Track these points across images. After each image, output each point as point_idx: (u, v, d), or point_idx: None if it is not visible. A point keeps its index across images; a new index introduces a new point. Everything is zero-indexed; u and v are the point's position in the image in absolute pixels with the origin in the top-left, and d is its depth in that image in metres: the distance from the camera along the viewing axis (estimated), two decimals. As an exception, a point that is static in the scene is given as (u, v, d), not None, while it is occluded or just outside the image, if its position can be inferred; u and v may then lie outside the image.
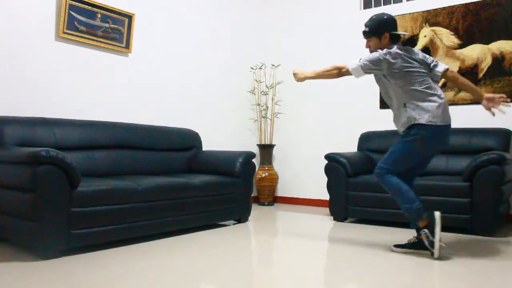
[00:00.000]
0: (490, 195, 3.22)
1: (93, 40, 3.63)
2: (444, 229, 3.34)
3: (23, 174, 2.50)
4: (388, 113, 3.17)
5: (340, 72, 2.78)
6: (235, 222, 3.87)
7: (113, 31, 3.78)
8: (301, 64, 5.19)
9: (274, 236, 3.49)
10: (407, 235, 3.01)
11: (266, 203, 5.13)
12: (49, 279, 2.15)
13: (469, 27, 4.15)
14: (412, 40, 4.42)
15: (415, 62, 2.64)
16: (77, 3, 3.48)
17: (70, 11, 3.44)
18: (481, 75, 4.07)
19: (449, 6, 4.26)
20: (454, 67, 4.16)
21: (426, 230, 2.57)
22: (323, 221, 4.05)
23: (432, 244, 2.54)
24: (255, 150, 5.20)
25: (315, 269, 2.51)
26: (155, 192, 3.05)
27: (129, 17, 3.88)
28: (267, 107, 5.33)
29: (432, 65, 2.73)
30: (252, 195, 4.03)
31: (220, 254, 2.77)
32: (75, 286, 2.08)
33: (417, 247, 2.68)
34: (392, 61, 2.61)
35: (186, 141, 4.19)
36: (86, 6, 3.55)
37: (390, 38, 2.72)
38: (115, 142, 3.54)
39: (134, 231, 2.93)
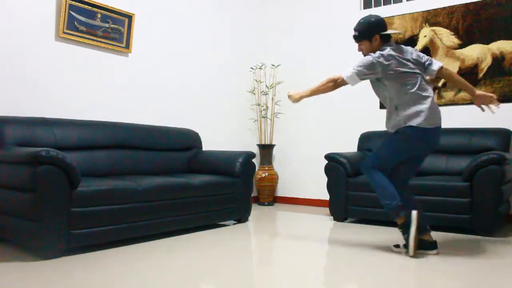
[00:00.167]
0: (490, 195, 3.22)
1: (93, 40, 3.63)
2: (444, 229, 3.39)
3: (23, 174, 2.50)
4: (388, 113, 3.18)
5: (335, 84, 2.79)
6: (235, 222, 3.87)
7: (113, 31, 3.79)
8: (301, 64, 5.20)
9: (274, 236, 3.49)
10: (407, 235, 3.01)
11: (266, 203, 5.13)
12: (49, 279, 2.15)
13: (469, 27, 4.15)
14: (412, 40, 4.42)
15: (409, 63, 2.66)
16: (77, 3, 3.48)
17: (70, 11, 3.44)
18: (481, 75, 4.07)
19: (449, 6, 4.26)
20: (454, 67, 4.16)
21: (402, 228, 2.64)
22: (323, 221, 4.05)
23: (407, 241, 2.60)
24: (255, 150, 5.19)
25: (315, 269, 2.51)
26: (155, 192, 3.05)
27: (129, 17, 3.88)
28: (267, 107, 5.33)
29: (426, 63, 2.74)
30: (252, 195, 4.03)
31: (220, 254, 2.77)
32: (75, 286, 2.08)
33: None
34: (386, 63, 2.62)
35: (186, 141, 4.19)
36: (86, 6, 3.55)
37: (381, 39, 2.73)
38: (115, 142, 3.54)
39: (134, 231, 2.93)
